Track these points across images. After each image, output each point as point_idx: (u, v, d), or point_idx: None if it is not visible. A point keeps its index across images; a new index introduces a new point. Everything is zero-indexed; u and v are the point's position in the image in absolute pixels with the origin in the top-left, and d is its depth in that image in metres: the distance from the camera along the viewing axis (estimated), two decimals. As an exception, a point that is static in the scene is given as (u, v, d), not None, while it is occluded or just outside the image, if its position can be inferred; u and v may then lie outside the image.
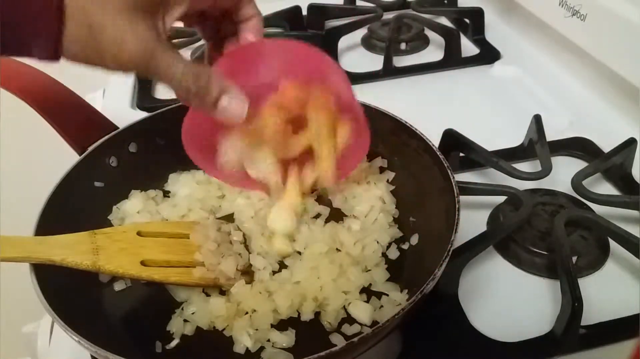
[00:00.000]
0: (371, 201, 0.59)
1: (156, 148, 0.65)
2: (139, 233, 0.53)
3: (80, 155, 0.59)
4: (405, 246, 0.56)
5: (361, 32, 0.99)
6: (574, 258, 0.53)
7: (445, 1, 1.07)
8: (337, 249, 0.55)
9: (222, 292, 0.52)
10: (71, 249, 0.48)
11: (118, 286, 0.54)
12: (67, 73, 0.72)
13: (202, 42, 0.93)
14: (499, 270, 0.57)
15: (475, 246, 0.54)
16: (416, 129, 0.60)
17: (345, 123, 0.54)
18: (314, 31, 0.97)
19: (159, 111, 0.66)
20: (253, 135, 0.53)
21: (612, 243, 0.56)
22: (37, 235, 0.50)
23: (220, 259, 0.53)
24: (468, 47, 0.94)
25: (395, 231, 0.58)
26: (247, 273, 0.54)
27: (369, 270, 0.53)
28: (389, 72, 0.88)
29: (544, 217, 0.59)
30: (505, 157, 0.64)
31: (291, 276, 0.53)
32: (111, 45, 0.39)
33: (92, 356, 0.48)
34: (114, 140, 0.61)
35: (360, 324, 0.49)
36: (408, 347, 0.49)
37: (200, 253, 0.53)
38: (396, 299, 0.50)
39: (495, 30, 0.98)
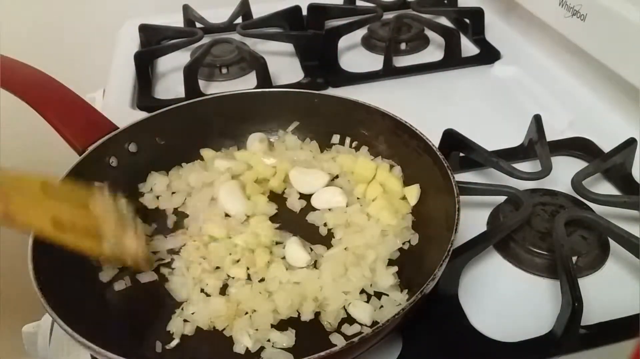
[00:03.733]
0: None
1: (156, 148, 0.65)
2: (43, 190, 0.49)
3: (80, 155, 0.59)
4: (405, 246, 0.56)
5: (361, 32, 0.99)
6: (574, 258, 0.53)
7: (445, 1, 1.07)
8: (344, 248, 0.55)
9: (222, 292, 0.52)
10: None
11: (118, 286, 0.54)
12: (67, 73, 0.72)
13: (202, 42, 0.93)
14: (499, 270, 0.57)
15: (475, 246, 0.54)
16: (416, 129, 0.60)
17: None
18: (314, 31, 0.97)
19: (159, 111, 0.66)
20: None
21: (612, 243, 0.56)
22: (37, 237, 0.49)
23: (122, 234, 0.51)
24: (468, 47, 0.94)
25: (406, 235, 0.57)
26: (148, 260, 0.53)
27: (374, 271, 0.53)
28: (389, 72, 0.88)
29: (544, 217, 0.59)
30: (505, 157, 0.64)
31: (291, 276, 0.52)
32: None
33: (92, 356, 0.48)
34: (114, 140, 0.61)
35: (360, 324, 0.49)
36: (408, 347, 0.49)
37: (103, 226, 0.51)
38: (396, 300, 0.50)
39: (495, 30, 0.98)
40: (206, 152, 0.68)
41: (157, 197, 0.63)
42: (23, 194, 0.47)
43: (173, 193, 0.64)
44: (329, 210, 0.61)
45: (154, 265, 0.55)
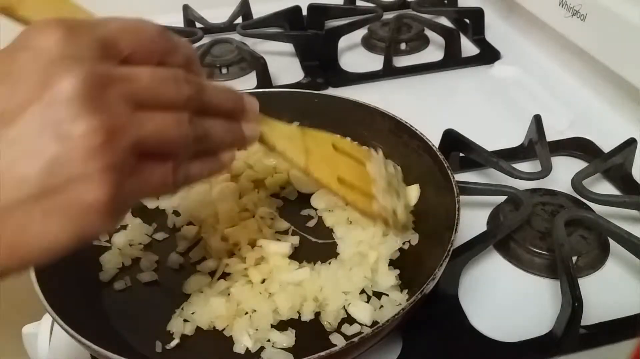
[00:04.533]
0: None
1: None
2: (334, 146, 0.51)
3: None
4: (405, 246, 0.56)
5: (361, 32, 0.99)
6: (574, 258, 0.53)
7: (445, 1, 1.07)
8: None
9: (222, 292, 0.52)
10: (289, 141, 0.46)
11: (118, 286, 0.54)
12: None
13: (202, 42, 0.93)
14: (499, 270, 0.57)
15: (475, 246, 0.54)
16: (416, 129, 0.60)
17: None
18: (314, 31, 0.97)
19: (159, 111, 0.66)
20: None
21: (612, 243, 0.56)
22: None
23: (389, 199, 0.52)
24: (468, 47, 0.94)
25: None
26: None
27: (375, 272, 0.53)
28: (389, 72, 0.88)
29: (544, 217, 0.59)
30: (505, 157, 0.64)
31: (292, 276, 0.52)
32: None
33: (92, 356, 0.48)
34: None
35: (360, 324, 0.49)
36: (408, 347, 0.49)
37: (374, 188, 0.51)
38: (396, 300, 0.50)
39: (495, 30, 0.98)
40: None
41: (157, 197, 0.63)
42: (320, 150, 0.48)
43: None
44: (329, 210, 0.61)
45: (409, 228, 0.55)
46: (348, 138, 0.60)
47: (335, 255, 0.56)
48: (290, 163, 0.46)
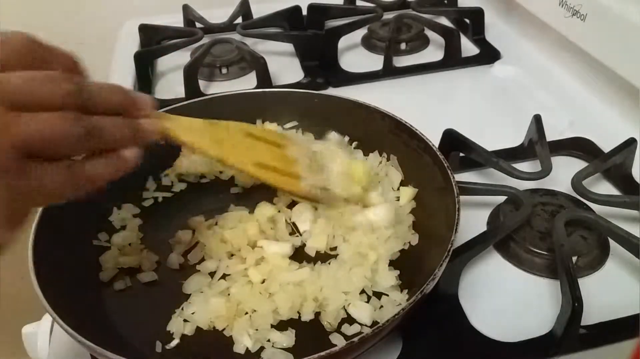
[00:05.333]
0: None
1: (156, 148, 0.65)
2: (250, 134, 0.52)
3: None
4: (405, 247, 0.56)
5: (361, 32, 0.99)
6: (574, 258, 0.53)
7: (445, 1, 1.07)
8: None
9: (222, 292, 0.52)
10: (199, 134, 0.46)
11: (118, 286, 0.54)
12: (67, 73, 0.72)
13: (202, 42, 0.93)
14: (499, 270, 0.57)
15: (475, 246, 0.54)
16: (416, 129, 0.60)
17: None
18: (314, 31, 0.97)
19: (158, 111, 0.66)
20: None
21: (612, 243, 0.56)
22: (37, 236, 0.49)
23: (317, 174, 0.53)
24: (468, 47, 0.94)
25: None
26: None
27: (375, 272, 0.53)
28: (389, 72, 0.88)
29: (544, 217, 0.59)
30: (505, 157, 0.64)
31: (292, 276, 0.52)
32: None
33: (92, 356, 0.48)
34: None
35: (360, 324, 0.49)
36: (408, 347, 0.49)
37: (299, 167, 0.53)
38: (396, 300, 0.50)
39: (495, 30, 0.98)
40: None
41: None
42: (234, 139, 0.49)
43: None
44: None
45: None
46: (267, 125, 0.64)
47: (335, 255, 0.56)
48: (204, 155, 0.47)
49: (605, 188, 0.65)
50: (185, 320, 0.50)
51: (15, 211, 0.30)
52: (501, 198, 0.62)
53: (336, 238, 0.57)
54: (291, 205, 0.60)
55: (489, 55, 0.92)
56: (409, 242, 0.56)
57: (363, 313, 0.49)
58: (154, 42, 0.99)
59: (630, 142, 0.64)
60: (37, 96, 0.32)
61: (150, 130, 0.41)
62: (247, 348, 0.48)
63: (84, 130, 0.34)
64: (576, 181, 0.60)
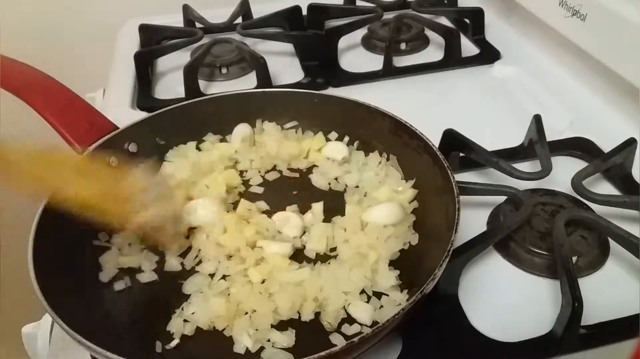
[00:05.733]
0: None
1: (156, 148, 0.65)
2: (76, 169, 0.52)
3: (80, 155, 0.59)
4: (405, 247, 0.56)
5: (361, 32, 0.99)
6: (574, 258, 0.53)
7: (445, 1, 1.07)
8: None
9: (222, 292, 0.52)
10: (16, 166, 0.46)
11: (118, 286, 0.54)
12: (67, 73, 0.72)
13: (202, 42, 0.93)
14: (499, 270, 0.57)
15: (475, 246, 0.54)
16: (416, 129, 0.60)
17: None
18: (314, 31, 0.97)
19: (159, 111, 0.66)
20: None
21: (612, 243, 0.56)
22: (37, 236, 0.49)
23: (153, 214, 0.53)
24: (468, 47, 0.94)
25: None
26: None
27: (375, 272, 0.53)
28: (389, 72, 0.88)
29: (544, 217, 0.59)
30: (505, 157, 0.64)
31: (293, 276, 0.52)
32: None
33: (92, 356, 0.48)
34: (114, 140, 0.61)
35: (360, 324, 0.49)
36: (408, 347, 0.49)
37: (129, 206, 0.52)
38: (396, 300, 0.50)
39: (495, 30, 0.98)
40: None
41: None
42: (60, 171, 0.49)
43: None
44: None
45: (182, 246, 0.56)
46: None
47: (335, 255, 0.56)
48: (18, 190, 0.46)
49: (605, 188, 0.65)
50: (185, 320, 0.50)
51: None
52: (501, 198, 0.62)
53: (336, 238, 0.57)
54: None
55: (489, 55, 0.92)
56: (409, 242, 0.56)
57: (363, 313, 0.49)
58: (154, 42, 0.99)
59: (630, 142, 0.64)
60: None
61: None
62: (247, 348, 0.48)
63: None
64: (576, 181, 0.60)
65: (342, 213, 0.59)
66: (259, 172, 0.66)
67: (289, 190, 0.64)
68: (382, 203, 0.59)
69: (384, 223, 0.56)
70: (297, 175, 0.66)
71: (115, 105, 0.83)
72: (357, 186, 0.64)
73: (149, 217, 0.53)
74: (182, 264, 0.56)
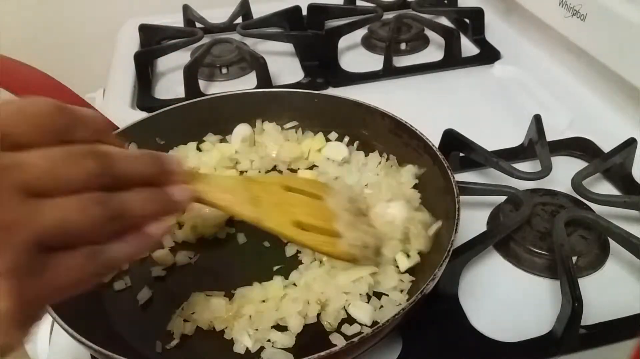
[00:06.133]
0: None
1: (156, 148, 0.65)
2: (287, 187, 0.48)
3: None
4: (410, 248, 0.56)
5: (361, 32, 0.99)
6: (574, 258, 0.53)
7: (445, 1, 1.07)
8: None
9: (226, 294, 0.52)
10: (232, 194, 0.42)
11: (118, 286, 0.54)
12: (67, 73, 0.72)
13: (202, 42, 0.93)
14: (499, 270, 0.57)
15: (475, 246, 0.54)
16: (416, 129, 0.60)
17: None
18: (314, 31, 0.97)
19: (159, 111, 0.66)
20: None
21: (612, 243, 0.56)
22: None
23: (358, 233, 0.49)
24: (468, 47, 0.94)
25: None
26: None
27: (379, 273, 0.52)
28: (389, 72, 0.88)
29: (544, 217, 0.59)
30: (505, 157, 0.64)
31: (295, 278, 0.53)
32: None
33: (92, 356, 0.48)
34: (113, 140, 0.61)
35: (360, 324, 0.49)
36: (408, 347, 0.49)
37: (338, 223, 0.48)
38: (396, 300, 0.50)
39: (495, 30, 0.98)
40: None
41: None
42: (270, 196, 0.45)
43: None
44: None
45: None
46: (307, 173, 0.60)
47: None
48: (239, 217, 0.43)
49: (605, 188, 0.65)
50: (185, 320, 0.50)
51: (27, 312, 0.26)
52: (501, 198, 0.62)
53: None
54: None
55: (489, 55, 0.92)
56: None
57: (363, 313, 0.49)
58: (154, 42, 0.99)
59: (630, 142, 0.64)
60: (62, 181, 0.28)
61: (182, 200, 0.36)
62: (247, 348, 0.48)
63: (108, 214, 0.30)
64: (576, 181, 0.60)
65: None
66: (259, 172, 0.66)
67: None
68: (387, 201, 0.58)
69: (395, 220, 0.56)
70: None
71: (115, 105, 0.83)
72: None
73: (357, 235, 0.49)
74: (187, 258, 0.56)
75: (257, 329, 0.48)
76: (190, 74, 0.83)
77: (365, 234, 0.50)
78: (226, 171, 0.65)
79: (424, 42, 0.97)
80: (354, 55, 0.96)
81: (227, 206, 0.42)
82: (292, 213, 0.46)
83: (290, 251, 0.56)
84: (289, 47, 0.96)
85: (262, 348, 0.48)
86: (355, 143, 0.67)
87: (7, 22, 1.12)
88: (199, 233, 0.58)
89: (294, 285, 0.52)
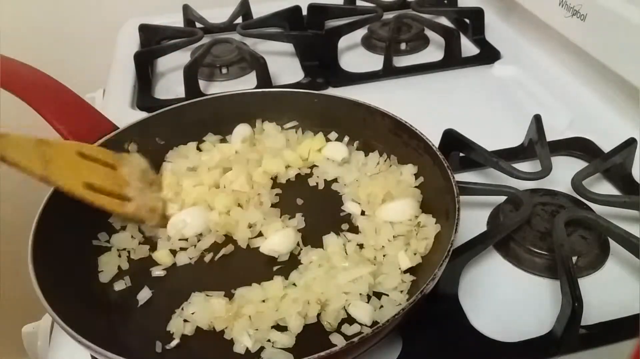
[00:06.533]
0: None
1: (156, 148, 0.65)
2: (81, 154, 0.54)
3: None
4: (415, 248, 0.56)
5: (361, 32, 0.99)
6: (574, 258, 0.53)
7: (445, 1, 1.07)
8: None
9: (226, 294, 0.52)
10: (22, 152, 0.47)
11: (118, 286, 0.54)
12: (67, 73, 0.72)
13: (202, 42, 0.93)
14: (499, 270, 0.57)
15: (475, 246, 0.54)
16: (416, 129, 0.60)
17: None
18: (314, 31, 0.97)
19: (159, 111, 0.66)
20: None
21: (612, 243, 0.56)
22: (37, 236, 0.49)
23: (146, 199, 0.57)
24: (468, 47, 0.94)
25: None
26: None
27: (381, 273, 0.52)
28: (389, 72, 0.88)
29: (544, 217, 0.59)
30: (505, 157, 0.64)
31: (294, 278, 0.52)
32: None
33: (92, 356, 0.48)
34: (114, 140, 0.61)
35: (360, 324, 0.49)
36: (408, 347, 0.49)
37: (128, 189, 0.56)
38: (396, 300, 0.50)
39: (495, 30, 0.98)
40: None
41: None
42: (63, 158, 0.51)
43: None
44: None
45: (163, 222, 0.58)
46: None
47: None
48: (26, 173, 0.47)
49: (605, 188, 0.65)
50: (185, 320, 0.50)
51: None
52: (501, 198, 0.62)
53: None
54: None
55: (489, 55, 0.92)
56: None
57: (363, 313, 0.49)
58: (154, 42, 0.99)
59: (630, 142, 0.64)
60: None
61: None
62: (247, 348, 0.48)
63: None
64: (576, 181, 0.60)
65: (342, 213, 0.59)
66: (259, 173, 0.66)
67: (289, 190, 0.64)
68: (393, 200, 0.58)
69: (400, 217, 0.56)
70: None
71: (115, 105, 0.83)
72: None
73: (145, 201, 0.56)
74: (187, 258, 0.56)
75: (257, 330, 0.48)
76: (190, 74, 0.83)
77: (152, 200, 0.58)
78: (226, 171, 0.65)
79: (424, 42, 0.97)
80: (354, 55, 0.96)
81: (16, 162, 0.46)
82: (84, 175, 0.52)
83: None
84: (289, 47, 0.96)
85: (262, 348, 0.48)
86: (355, 143, 0.67)
87: (7, 22, 1.12)
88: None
89: (294, 285, 0.52)
